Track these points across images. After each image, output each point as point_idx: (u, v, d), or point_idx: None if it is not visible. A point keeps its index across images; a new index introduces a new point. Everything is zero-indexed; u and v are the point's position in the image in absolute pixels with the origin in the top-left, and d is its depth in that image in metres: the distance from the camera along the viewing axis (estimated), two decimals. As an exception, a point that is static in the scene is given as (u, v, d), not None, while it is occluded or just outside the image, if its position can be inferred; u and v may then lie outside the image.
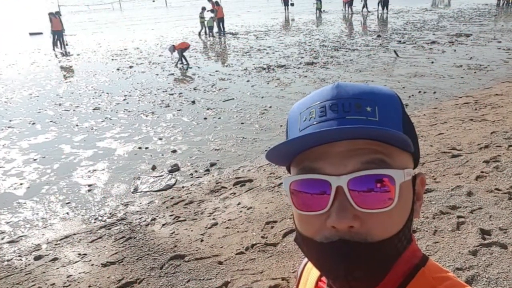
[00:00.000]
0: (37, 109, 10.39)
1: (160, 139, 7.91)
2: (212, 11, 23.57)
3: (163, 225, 4.80)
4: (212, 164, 6.62)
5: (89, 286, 3.81)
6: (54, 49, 20.53)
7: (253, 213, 4.79)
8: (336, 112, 0.66)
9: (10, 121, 9.52)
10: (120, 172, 6.62)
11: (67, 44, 21.38)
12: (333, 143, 0.63)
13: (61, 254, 4.40)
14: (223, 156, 6.95)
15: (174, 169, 6.52)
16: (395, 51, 14.45)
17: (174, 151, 7.27)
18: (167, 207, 5.27)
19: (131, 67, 15.14)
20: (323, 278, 0.78)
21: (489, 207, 4.23)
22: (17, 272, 4.13)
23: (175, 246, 4.29)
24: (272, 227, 4.46)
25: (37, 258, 4.36)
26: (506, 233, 3.80)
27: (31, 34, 28.04)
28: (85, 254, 4.33)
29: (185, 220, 4.85)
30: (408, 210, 0.68)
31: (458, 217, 4.11)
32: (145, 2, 60.31)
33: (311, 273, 0.85)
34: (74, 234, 4.81)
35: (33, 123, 9.26)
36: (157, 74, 13.69)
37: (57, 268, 4.14)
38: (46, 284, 3.91)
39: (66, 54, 19.41)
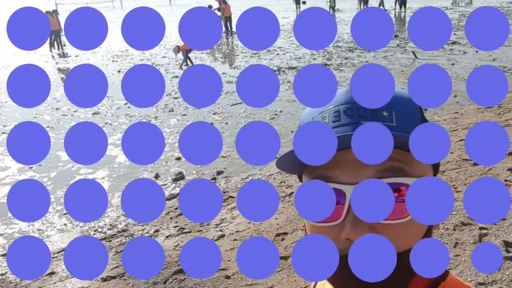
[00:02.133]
0: (33, 113, 10.48)
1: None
2: (219, 9, 23.64)
3: (167, 237, 4.81)
4: (219, 172, 6.63)
5: (88, 302, 3.83)
6: (51, 50, 20.70)
7: (262, 224, 4.79)
8: (351, 117, 0.66)
9: (5, 126, 9.61)
10: (121, 180, 6.65)
11: (65, 45, 21.53)
12: (348, 150, 0.63)
13: (59, 267, 4.42)
14: (231, 163, 6.95)
15: (179, 177, 6.54)
16: (413, 52, 14.40)
17: (178, 159, 7.29)
18: (171, 218, 5.28)
19: (132, 69, 15.19)
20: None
21: (515, 219, 4.19)
22: (12, 287, 4.15)
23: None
24: (282, 239, 4.45)
25: (33, 271, 4.37)
26: (534, 246, 3.77)
27: (27, 34, 28.26)
28: (84, 268, 4.34)
29: (190, 232, 4.85)
30: (427, 221, 0.68)
31: (480, 228, 4.08)
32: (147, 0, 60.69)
33: (324, 288, 0.85)
34: (72, 246, 4.82)
35: (30, 129, 9.30)
36: (160, 77, 13.73)
37: (54, 283, 4.16)
38: (42, 299, 3.93)
39: (63, 55, 19.57)
